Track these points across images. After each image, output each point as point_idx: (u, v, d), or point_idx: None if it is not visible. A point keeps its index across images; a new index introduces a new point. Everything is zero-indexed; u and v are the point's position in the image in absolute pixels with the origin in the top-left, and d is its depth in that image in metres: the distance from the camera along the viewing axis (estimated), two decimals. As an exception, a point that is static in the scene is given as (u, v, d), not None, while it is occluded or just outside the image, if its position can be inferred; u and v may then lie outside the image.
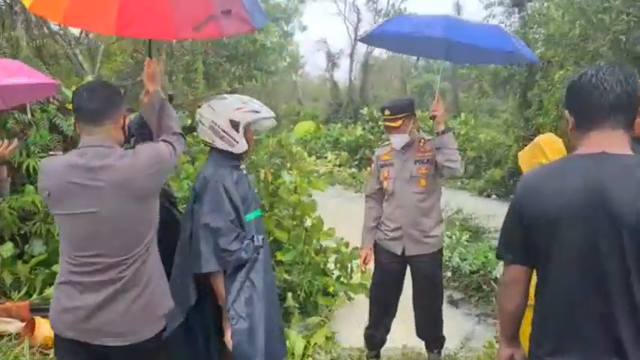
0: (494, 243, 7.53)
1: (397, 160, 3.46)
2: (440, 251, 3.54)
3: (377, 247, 3.58)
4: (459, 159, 3.26)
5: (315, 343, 4.17)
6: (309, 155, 19.28)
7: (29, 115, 4.93)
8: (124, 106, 2.15)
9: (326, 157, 18.83)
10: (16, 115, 4.84)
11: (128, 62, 8.76)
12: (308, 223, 5.36)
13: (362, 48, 31.37)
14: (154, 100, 2.34)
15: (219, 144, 2.48)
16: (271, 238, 4.95)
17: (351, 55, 32.89)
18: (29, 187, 4.74)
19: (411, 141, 3.41)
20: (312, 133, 6.33)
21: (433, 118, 3.23)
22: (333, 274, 5.34)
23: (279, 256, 4.82)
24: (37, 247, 4.68)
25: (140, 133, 2.48)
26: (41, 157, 4.80)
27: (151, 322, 2.06)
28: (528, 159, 2.70)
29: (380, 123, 22.24)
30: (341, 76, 33.92)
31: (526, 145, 2.89)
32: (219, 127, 2.45)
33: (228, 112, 2.46)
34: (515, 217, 1.64)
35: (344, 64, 34.05)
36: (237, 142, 2.48)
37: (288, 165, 5.34)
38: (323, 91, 34.85)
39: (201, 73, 8.42)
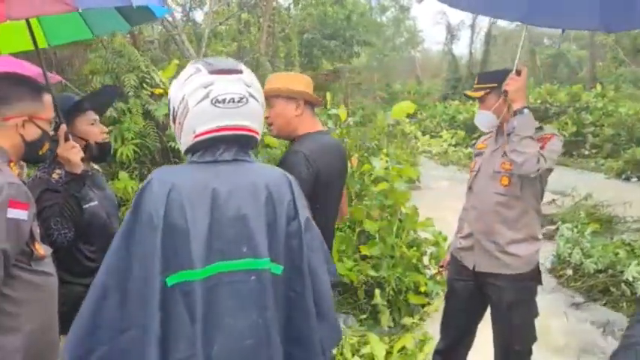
0: (629, 237, 6.45)
1: (488, 149, 2.71)
2: (529, 278, 2.60)
3: (451, 257, 2.91)
4: (528, 152, 2.34)
5: (404, 347, 3.72)
6: (423, 134, 18.53)
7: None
8: (30, 104, 1.76)
9: (441, 137, 17.96)
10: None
11: (232, 45, 8.80)
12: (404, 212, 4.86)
13: (485, 17, 29.39)
14: None
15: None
16: (359, 229, 4.60)
17: (472, 27, 31.09)
18: (123, 174, 4.81)
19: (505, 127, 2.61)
20: (411, 113, 5.75)
21: (506, 94, 2.44)
22: (428, 270, 4.82)
23: (363, 250, 4.40)
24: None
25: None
26: (135, 144, 4.87)
27: None
28: None
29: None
30: (462, 50, 32.25)
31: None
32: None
33: None
34: None
35: (465, 36, 32.32)
36: None
37: (384, 150, 4.91)
38: (443, 67, 33.41)
39: (296, 50, 8.16)
